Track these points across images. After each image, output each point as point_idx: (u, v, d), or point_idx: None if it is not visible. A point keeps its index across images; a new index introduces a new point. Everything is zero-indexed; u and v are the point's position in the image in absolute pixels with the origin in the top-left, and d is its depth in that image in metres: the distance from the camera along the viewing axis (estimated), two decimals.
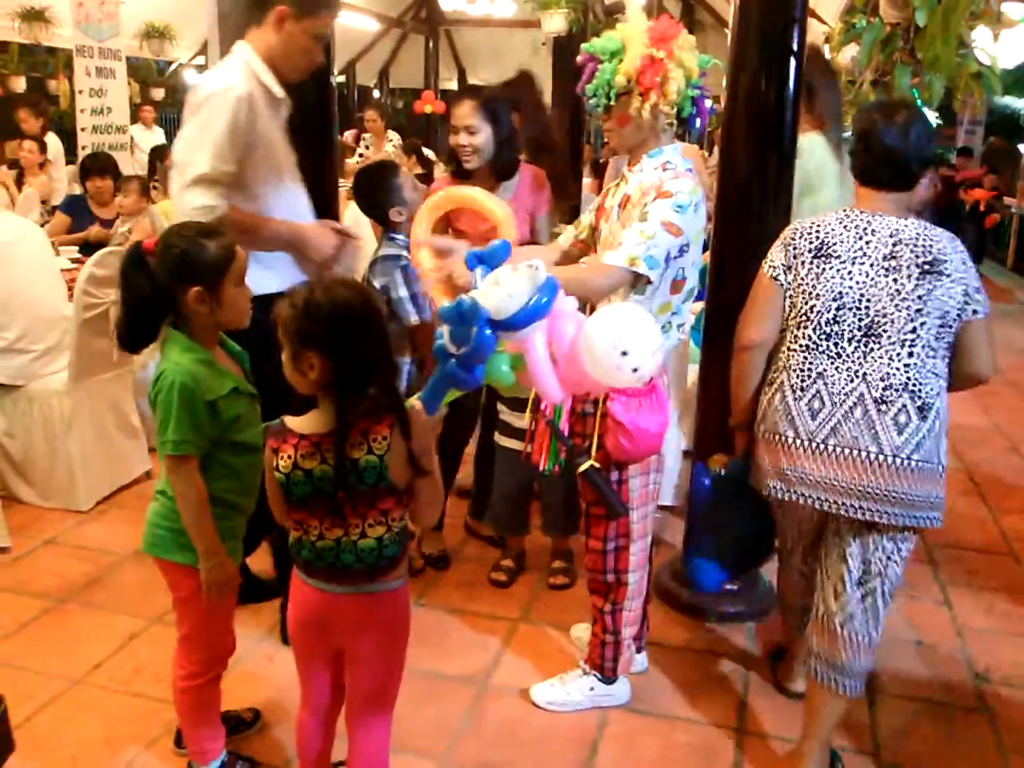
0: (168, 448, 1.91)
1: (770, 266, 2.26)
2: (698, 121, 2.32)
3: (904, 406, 2.06)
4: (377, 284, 2.95)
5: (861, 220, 2.16)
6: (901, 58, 3.34)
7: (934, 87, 3.55)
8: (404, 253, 2.94)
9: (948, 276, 2.07)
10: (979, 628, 3.08)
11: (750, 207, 2.84)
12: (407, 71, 12.00)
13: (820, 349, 2.14)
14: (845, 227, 2.16)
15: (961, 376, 2.16)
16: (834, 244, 2.15)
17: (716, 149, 5.84)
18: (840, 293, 2.12)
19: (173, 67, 11.29)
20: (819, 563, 2.28)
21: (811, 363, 2.15)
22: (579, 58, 2.32)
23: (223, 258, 1.94)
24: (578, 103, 7.23)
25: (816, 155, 3.20)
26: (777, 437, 2.18)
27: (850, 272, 2.12)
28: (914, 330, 2.07)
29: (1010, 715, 2.62)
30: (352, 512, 1.74)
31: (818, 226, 2.20)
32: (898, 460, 2.06)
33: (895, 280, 2.09)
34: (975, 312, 2.09)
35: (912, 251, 2.09)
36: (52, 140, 7.05)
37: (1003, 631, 3.07)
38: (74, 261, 4.59)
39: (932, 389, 2.08)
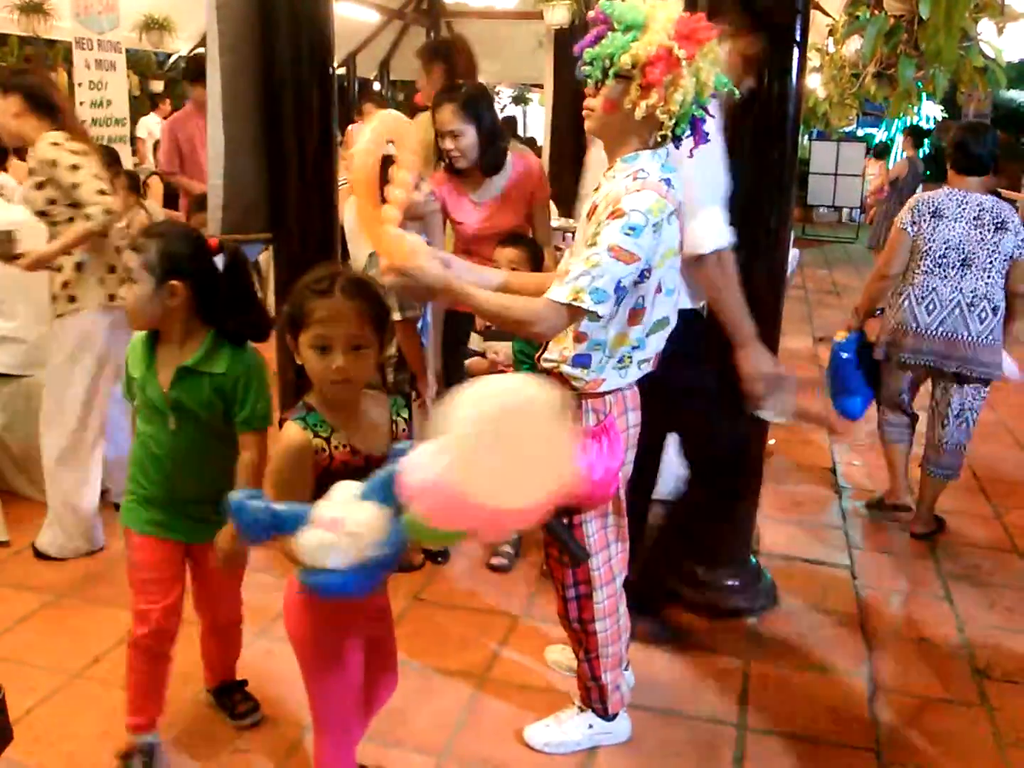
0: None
1: (902, 223, 3.58)
2: (689, 143, 2.05)
3: (984, 307, 3.48)
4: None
5: (959, 195, 3.53)
6: (905, 51, 3.32)
7: (938, 80, 3.54)
8: None
9: (1010, 231, 3.47)
10: (981, 624, 3.08)
11: (752, 200, 2.82)
12: (408, 63, 11.89)
13: (934, 274, 3.51)
14: (950, 199, 3.52)
15: (1008, 288, 3.53)
16: (944, 209, 3.50)
17: None
18: (947, 240, 3.49)
19: (173, 59, 11.25)
20: (933, 406, 3.70)
21: (927, 282, 3.52)
22: (591, 14, 2.03)
23: None
24: (581, 95, 7.19)
25: None
26: (906, 327, 3.55)
27: (953, 226, 3.48)
28: (991, 263, 3.47)
29: (1010, 711, 2.62)
30: None
31: (933, 198, 3.54)
32: (980, 339, 3.48)
33: (980, 232, 3.47)
34: (1021, 253, 3.49)
35: (990, 215, 3.48)
36: None
37: (1005, 627, 3.06)
38: None
39: (999, 296, 3.51)
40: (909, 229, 3.52)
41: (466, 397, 1.36)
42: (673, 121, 1.96)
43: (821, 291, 9.14)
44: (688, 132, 2.02)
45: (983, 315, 3.46)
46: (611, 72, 1.96)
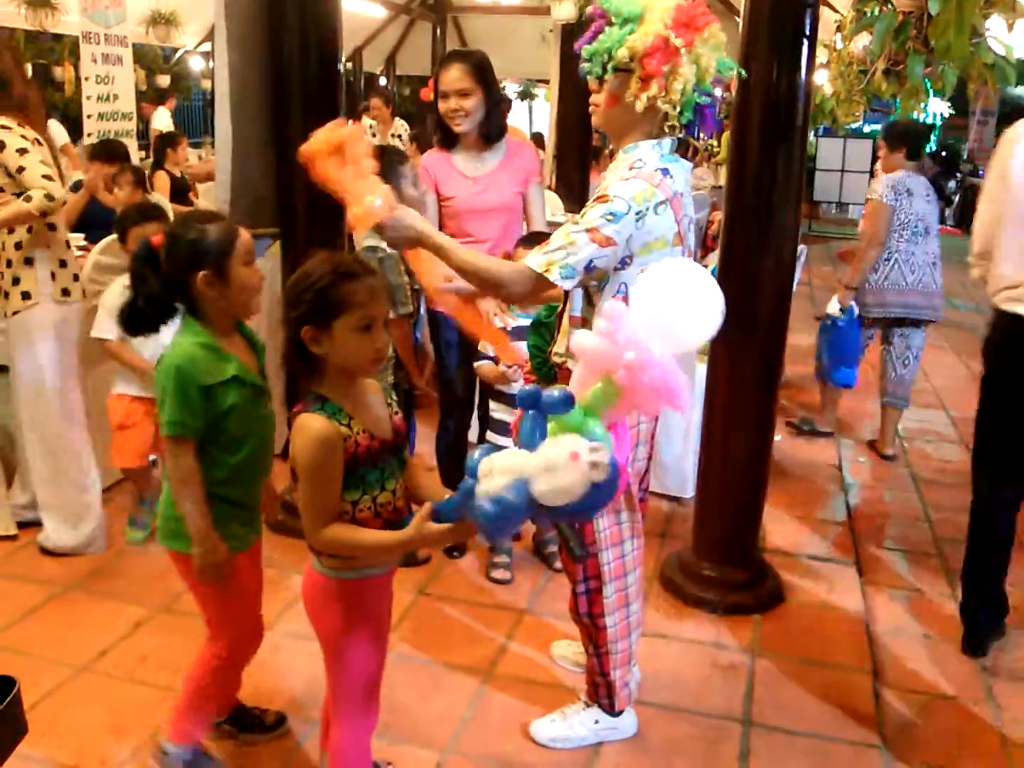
0: (164, 429, 1.91)
1: (886, 199, 4.30)
2: (699, 132, 2.14)
3: (939, 264, 4.39)
4: None
5: (915, 177, 4.43)
6: (914, 47, 3.30)
7: (947, 77, 3.51)
8: (383, 244, 2.95)
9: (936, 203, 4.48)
10: None
11: (760, 196, 2.82)
12: (414, 58, 11.92)
13: (912, 241, 4.33)
14: (912, 180, 4.38)
15: None
16: (912, 188, 4.34)
17: (725, 137, 5.82)
18: (917, 212, 4.33)
19: (179, 54, 11.25)
20: (891, 351, 4.52)
21: (909, 248, 4.33)
22: (589, 9, 2.07)
23: (225, 240, 1.94)
24: (587, 91, 7.17)
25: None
26: (895, 286, 4.34)
27: (918, 202, 4.35)
28: (937, 229, 4.41)
29: (1016, 708, 2.62)
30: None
31: (903, 180, 4.34)
32: (939, 289, 4.41)
33: (931, 205, 4.42)
34: None
35: (932, 191, 4.45)
36: (55, 129, 7.03)
37: (1010, 624, 3.04)
38: (80, 248, 4.58)
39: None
40: (894, 204, 4.30)
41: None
42: (677, 110, 1.98)
43: (827, 288, 9.11)
44: (693, 120, 2.03)
45: (940, 271, 4.39)
46: (609, 67, 1.99)
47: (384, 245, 2.93)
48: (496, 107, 3.14)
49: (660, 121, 2.04)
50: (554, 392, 1.50)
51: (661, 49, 1.92)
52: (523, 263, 2.00)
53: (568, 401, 1.50)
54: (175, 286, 1.95)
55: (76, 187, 5.26)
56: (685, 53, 1.92)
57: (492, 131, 3.15)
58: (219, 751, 2.32)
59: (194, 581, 2.04)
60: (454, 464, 3.31)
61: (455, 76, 3.03)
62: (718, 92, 2.08)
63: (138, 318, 2.00)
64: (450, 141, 3.16)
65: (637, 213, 1.96)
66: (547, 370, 2.22)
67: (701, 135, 8.77)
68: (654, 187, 1.98)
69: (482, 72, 3.05)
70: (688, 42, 1.91)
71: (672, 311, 1.54)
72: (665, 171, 2.03)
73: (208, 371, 1.92)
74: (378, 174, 2.95)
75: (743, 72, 2.05)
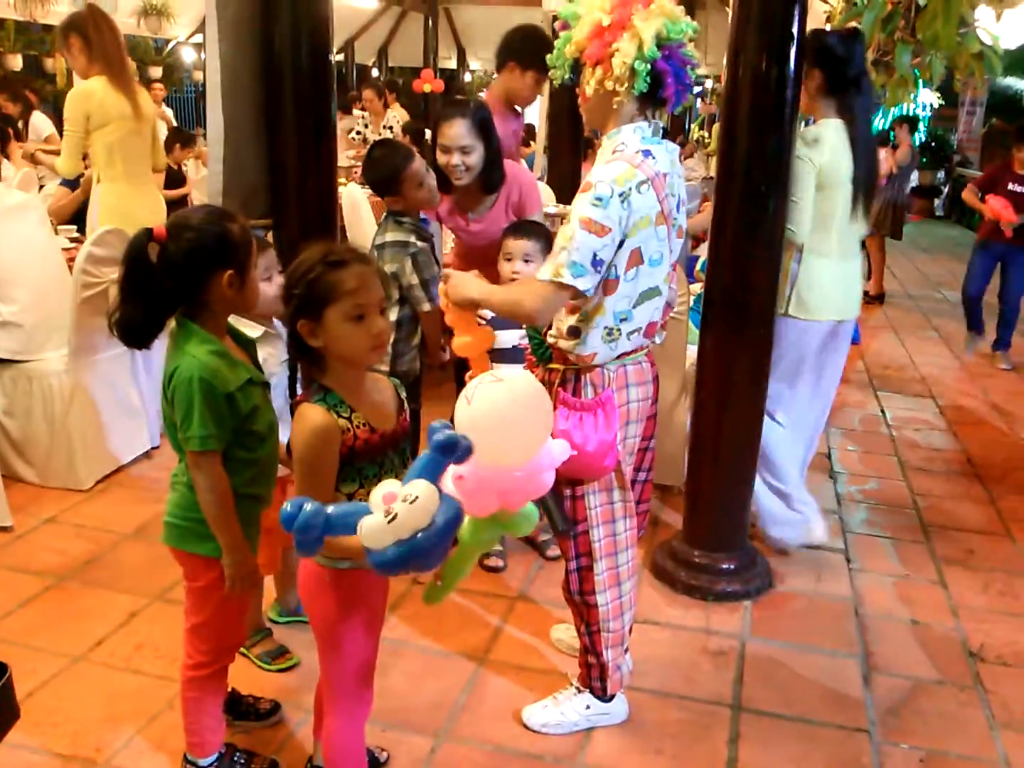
0: (194, 444, 1.85)
1: None
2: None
3: None
4: (387, 270, 2.92)
5: None
6: (902, 37, 3.32)
7: (935, 67, 3.54)
8: (412, 239, 2.94)
9: None
10: (974, 607, 3.10)
11: (750, 188, 2.83)
12: (406, 50, 11.93)
13: None
14: None
15: None
16: None
17: (715, 129, 5.86)
18: None
19: (171, 45, 11.22)
20: None
21: None
22: (556, 24, 2.13)
23: (248, 240, 1.90)
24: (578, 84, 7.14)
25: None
26: None
27: None
28: None
29: (1003, 692, 2.65)
30: None
31: None
32: None
33: None
34: None
35: None
36: (41, 120, 6.99)
37: (998, 610, 3.09)
38: (72, 240, 4.58)
39: None
40: None
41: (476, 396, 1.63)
42: (624, 86, 2.01)
43: None
44: (657, 92, 2.04)
45: None
46: (567, 66, 2.07)
47: (413, 239, 2.93)
48: (497, 158, 3.09)
49: (615, 99, 2.06)
50: (420, 460, 1.46)
51: (597, 35, 1.99)
52: (535, 280, 2.04)
53: (422, 472, 1.45)
54: (190, 284, 1.87)
55: (72, 183, 5.25)
56: (622, 30, 1.97)
57: (493, 181, 3.12)
58: None
59: (201, 584, 2.00)
60: None
61: (458, 133, 2.98)
62: (681, 58, 2.04)
63: (145, 327, 1.89)
64: (450, 186, 3.12)
65: (621, 194, 1.98)
66: (543, 351, 2.25)
67: (704, 131, 8.78)
68: (635, 167, 2.01)
69: (484, 127, 3.01)
70: (621, 19, 1.96)
71: (502, 440, 1.59)
72: (647, 152, 2.05)
73: (227, 379, 1.87)
74: (396, 169, 2.96)
75: (693, 31, 2.02)
